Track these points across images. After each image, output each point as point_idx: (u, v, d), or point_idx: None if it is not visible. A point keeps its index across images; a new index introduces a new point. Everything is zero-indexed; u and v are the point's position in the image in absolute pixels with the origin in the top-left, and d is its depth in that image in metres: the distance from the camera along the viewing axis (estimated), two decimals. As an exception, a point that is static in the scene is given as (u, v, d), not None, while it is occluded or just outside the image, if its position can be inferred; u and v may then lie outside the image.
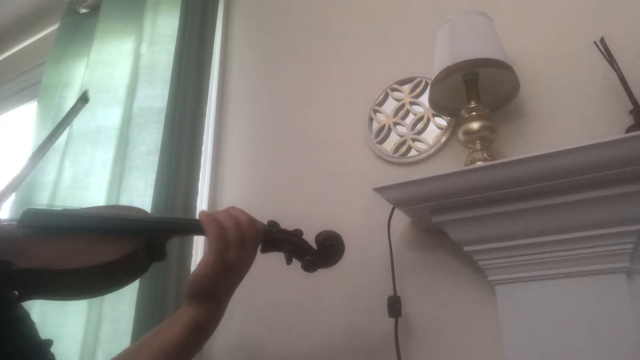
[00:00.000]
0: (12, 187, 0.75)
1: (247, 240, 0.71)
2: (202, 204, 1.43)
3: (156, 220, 0.77)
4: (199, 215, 0.73)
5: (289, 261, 0.78)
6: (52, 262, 0.66)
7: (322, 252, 0.79)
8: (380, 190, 0.95)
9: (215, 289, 0.70)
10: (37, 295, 0.67)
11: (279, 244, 0.78)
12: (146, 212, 0.83)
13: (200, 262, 0.70)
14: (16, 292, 0.67)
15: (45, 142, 0.88)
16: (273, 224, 0.79)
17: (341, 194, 1.22)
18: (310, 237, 0.82)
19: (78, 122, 1.60)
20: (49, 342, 0.73)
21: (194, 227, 0.75)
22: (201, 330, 0.69)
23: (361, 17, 1.40)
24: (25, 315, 0.74)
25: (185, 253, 1.27)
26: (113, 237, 0.71)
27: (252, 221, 0.74)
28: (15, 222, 0.72)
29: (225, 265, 0.69)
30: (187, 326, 0.68)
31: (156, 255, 0.75)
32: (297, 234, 0.80)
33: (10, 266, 0.64)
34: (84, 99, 0.93)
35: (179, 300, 1.23)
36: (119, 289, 0.74)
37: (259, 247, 0.77)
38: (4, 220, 0.74)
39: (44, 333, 0.75)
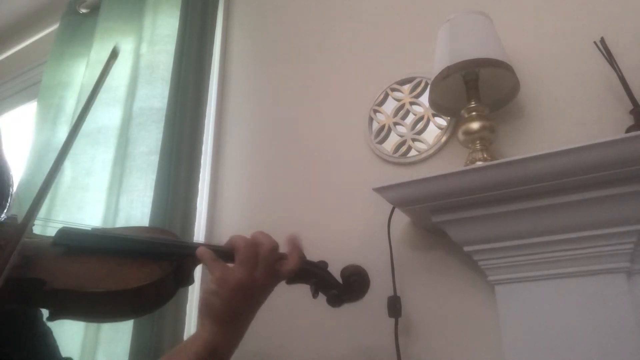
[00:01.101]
0: (52, 176, 0.74)
1: (263, 262, 0.70)
2: (202, 204, 1.43)
3: (188, 245, 0.76)
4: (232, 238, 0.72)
5: (315, 294, 0.77)
6: (84, 283, 0.65)
7: (348, 286, 0.78)
8: (380, 190, 0.95)
9: (226, 307, 0.68)
10: (66, 316, 0.66)
11: (306, 277, 0.77)
12: (175, 234, 0.82)
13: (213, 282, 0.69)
14: (46, 311, 0.66)
15: (79, 118, 0.85)
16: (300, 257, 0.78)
17: (341, 193, 1.22)
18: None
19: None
20: None
21: (226, 255, 0.73)
22: (215, 354, 0.67)
23: (361, 17, 1.40)
24: (48, 333, 0.74)
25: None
26: (144, 261, 0.70)
27: (273, 246, 0.72)
28: (49, 239, 0.72)
29: (236, 284, 0.68)
30: (200, 350, 0.67)
31: (184, 281, 0.74)
32: (323, 266, 0.79)
33: (42, 285, 0.64)
34: (114, 54, 0.91)
35: (179, 300, 1.23)
36: (146, 314, 0.73)
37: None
38: (37, 237, 0.74)
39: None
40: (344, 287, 0.78)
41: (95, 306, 0.67)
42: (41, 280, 0.64)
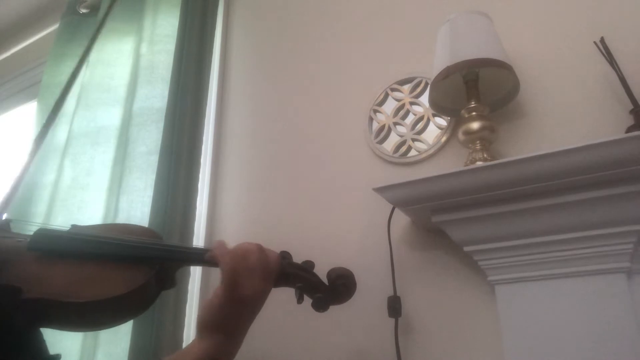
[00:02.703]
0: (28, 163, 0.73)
1: (258, 271, 0.70)
2: (202, 203, 1.43)
3: (170, 249, 0.74)
4: (213, 245, 0.72)
5: (300, 299, 0.75)
6: (62, 292, 0.62)
7: (333, 289, 0.76)
8: (380, 190, 0.95)
9: (226, 322, 0.68)
10: (44, 325, 0.64)
11: (291, 280, 0.75)
12: (157, 234, 0.79)
13: (212, 293, 0.69)
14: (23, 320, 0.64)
15: (70, 79, 0.84)
16: (285, 256, 0.77)
17: (341, 193, 1.22)
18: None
19: (78, 122, 1.60)
20: (57, 357, 0.73)
21: (207, 260, 0.73)
22: None
23: (361, 17, 1.40)
24: (35, 330, 0.74)
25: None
26: (125, 266, 0.68)
27: (263, 252, 0.72)
28: (24, 240, 0.70)
29: (236, 298, 0.67)
30: None
31: (166, 284, 0.72)
32: (309, 267, 0.77)
33: (19, 294, 0.61)
34: None
35: (179, 300, 1.23)
36: (128, 320, 0.71)
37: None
38: (14, 236, 0.72)
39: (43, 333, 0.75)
40: (330, 290, 0.76)
41: (74, 316, 0.65)
42: (16, 288, 0.61)
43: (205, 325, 0.68)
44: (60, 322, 0.66)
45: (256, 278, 0.69)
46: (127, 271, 0.67)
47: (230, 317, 0.68)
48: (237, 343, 0.70)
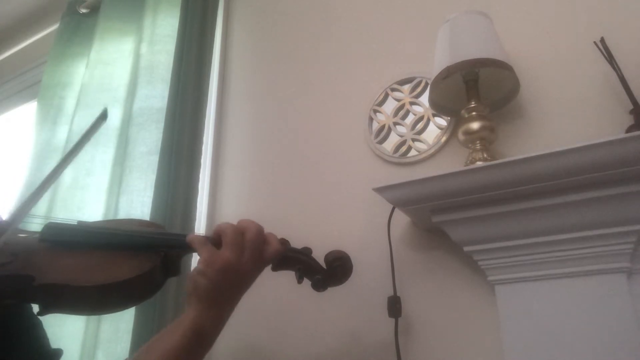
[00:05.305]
0: (29, 204, 0.75)
1: (249, 245, 0.72)
2: (202, 204, 1.43)
3: (175, 236, 0.78)
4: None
5: (300, 280, 0.80)
6: (72, 278, 0.66)
7: (331, 271, 0.80)
8: (380, 190, 0.95)
9: (213, 287, 0.70)
10: (56, 310, 0.67)
11: (291, 263, 0.79)
12: (162, 226, 0.83)
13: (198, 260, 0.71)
14: (36, 306, 0.67)
15: (62, 162, 0.88)
16: (284, 242, 0.80)
17: (341, 193, 1.22)
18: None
19: (78, 122, 1.60)
20: (59, 352, 0.74)
21: (214, 241, 0.75)
22: (201, 336, 0.69)
23: (361, 17, 1.40)
24: (38, 325, 0.75)
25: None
26: (132, 254, 0.72)
27: (261, 234, 0.75)
28: (36, 235, 0.73)
29: (223, 265, 0.69)
30: (187, 331, 0.68)
31: (172, 271, 0.76)
32: (307, 252, 0.81)
33: (32, 281, 0.64)
34: (103, 116, 0.94)
35: (179, 299, 1.23)
36: (135, 305, 0.74)
37: (270, 265, 0.78)
38: (26, 233, 0.75)
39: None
40: (328, 272, 0.80)
41: (85, 300, 0.68)
42: (30, 277, 0.65)
43: (192, 293, 0.70)
44: (71, 307, 0.70)
45: (247, 254, 0.71)
46: (134, 258, 0.71)
47: (216, 283, 0.70)
48: (222, 315, 0.72)
